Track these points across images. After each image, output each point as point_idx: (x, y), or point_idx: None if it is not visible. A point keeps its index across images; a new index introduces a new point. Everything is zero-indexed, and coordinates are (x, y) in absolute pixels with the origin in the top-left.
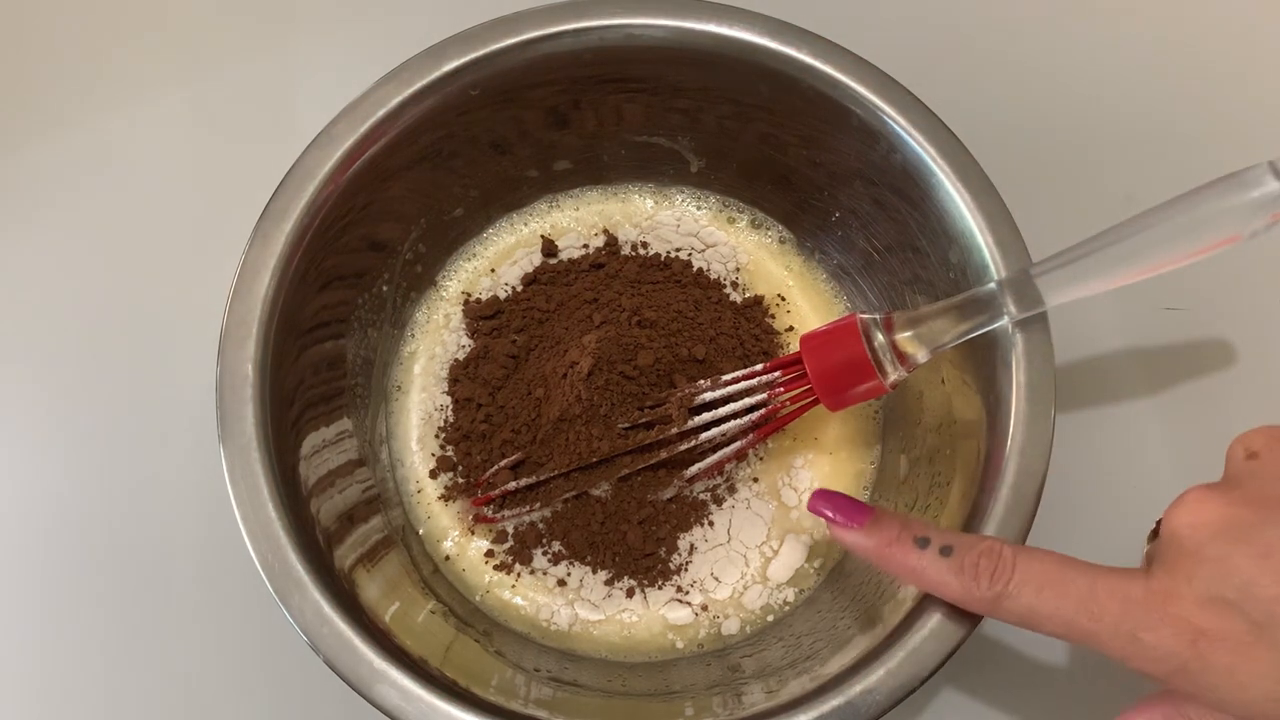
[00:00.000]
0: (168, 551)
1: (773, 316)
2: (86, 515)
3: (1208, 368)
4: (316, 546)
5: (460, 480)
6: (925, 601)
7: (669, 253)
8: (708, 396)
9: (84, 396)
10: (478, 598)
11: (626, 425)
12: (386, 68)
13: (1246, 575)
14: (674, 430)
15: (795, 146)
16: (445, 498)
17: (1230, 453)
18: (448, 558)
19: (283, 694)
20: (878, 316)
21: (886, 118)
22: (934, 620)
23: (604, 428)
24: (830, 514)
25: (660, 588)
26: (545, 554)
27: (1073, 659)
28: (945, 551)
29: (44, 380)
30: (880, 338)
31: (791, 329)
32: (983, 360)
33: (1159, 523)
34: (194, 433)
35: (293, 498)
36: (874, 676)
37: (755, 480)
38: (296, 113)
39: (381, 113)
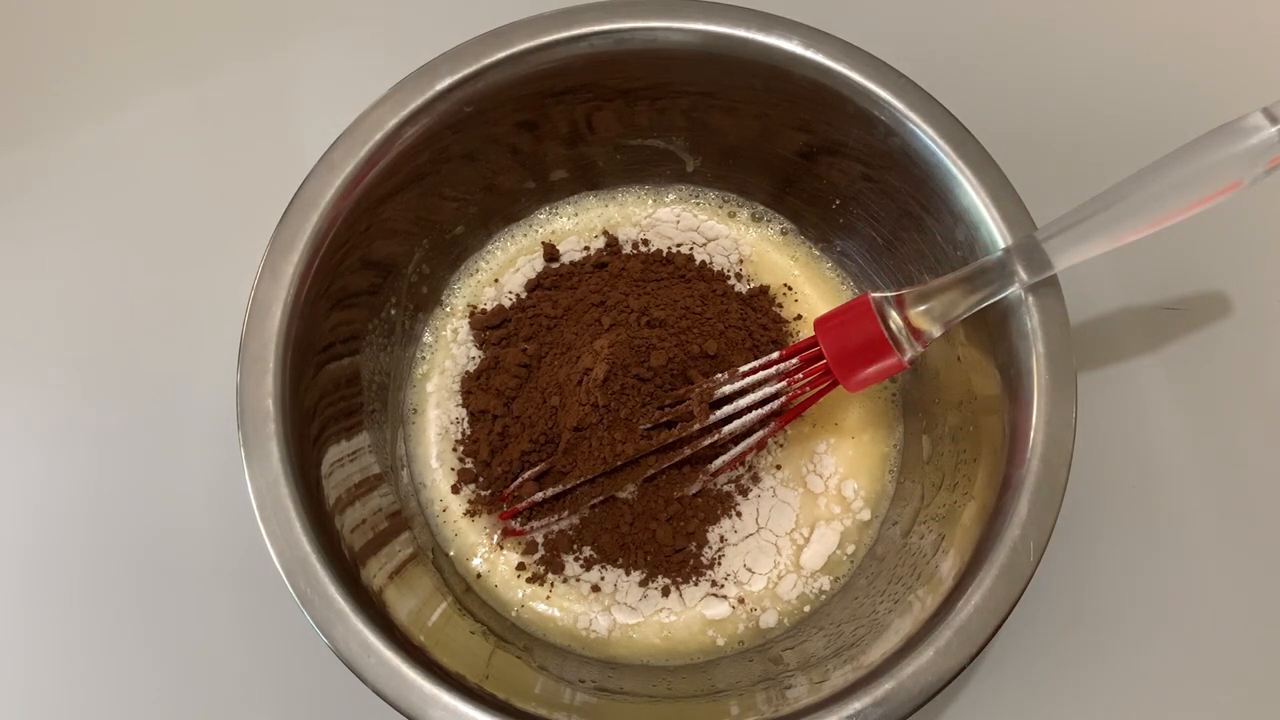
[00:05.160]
0: (183, 547)
1: (780, 305)
2: (98, 512)
3: (1207, 366)
4: (346, 569)
5: (483, 493)
6: (966, 579)
7: (670, 248)
8: (727, 390)
9: (89, 394)
10: (513, 613)
11: (649, 426)
12: (384, 67)
13: None
14: (696, 426)
15: (791, 138)
16: (470, 513)
17: None
18: (479, 575)
19: (300, 691)
20: (889, 295)
21: (882, 102)
22: (978, 597)
23: (626, 431)
24: None
25: (695, 584)
26: (577, 560)
27: (1104, 649)
28: None
29: (48, 381)
30: (894, 315)
31: (800, 317)
32: (999, 334)
33: None
34: (206, 431)
35: (320, 519)
36: (924, 658)
37: (779, 468)
38: (296, 112)
39: (378, 136)
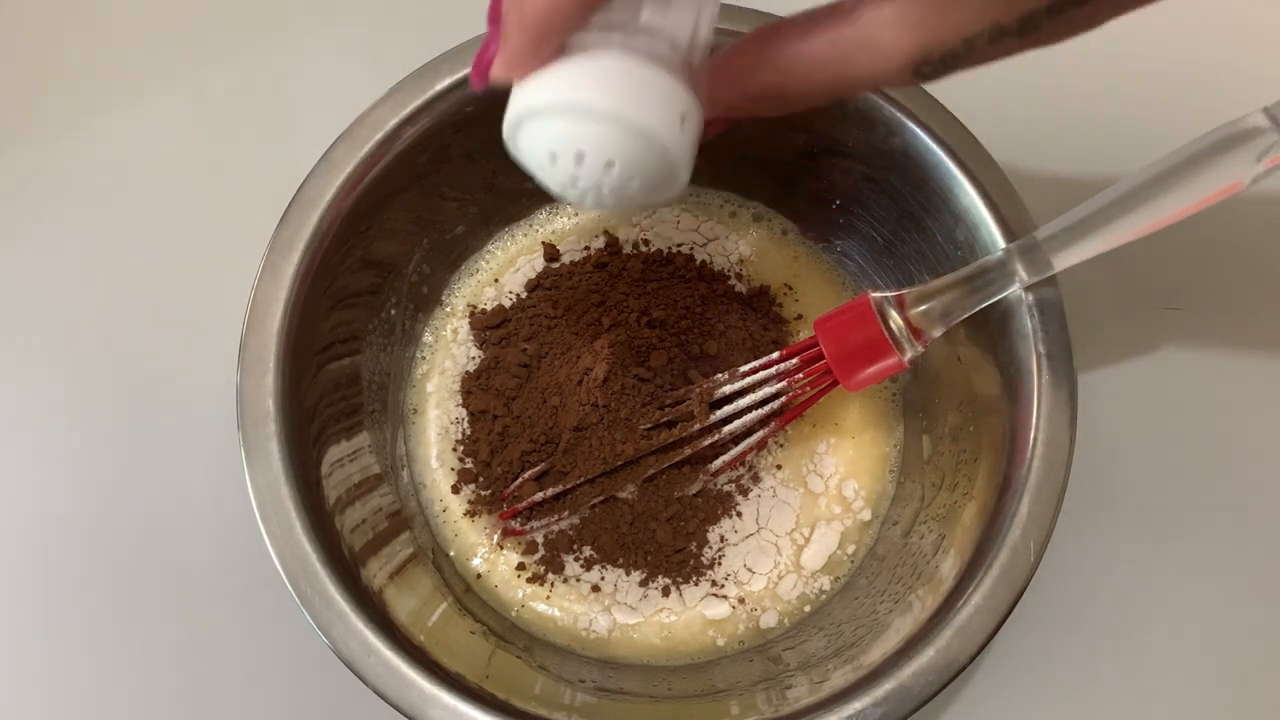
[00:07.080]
0: (183, 547)
1: (780, 305)
2: (97, 512)
3: (1207, 366)
4: (347, 569)
5: (483, 494)
6: (966, 579)
7: (671, 248)
8: (727, 390)
9: (88, 394)
10: (513, 613)
11: (649, 426)
12: (384, 67)
13: None
14: (696, 426)
15: (791, 138)
16: (470, 514)
17: None
18: (479, 575)
19: (300, 691)
20: (890, 295)
21: (883, 102)
22: (978, 597)
23: (626, 431)
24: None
25: (695, 584)
26: (577, 560)
27: (1104, 644)
28: None
29: (47, 381)
30: (894, 315)
31: (800, 317)
32: (999, 334)
33: None
34: (206, 431)
35: (320, 519)
36: (924, 657)
37: (779, 468)
38: (296, 112)
39: (379, 136)
